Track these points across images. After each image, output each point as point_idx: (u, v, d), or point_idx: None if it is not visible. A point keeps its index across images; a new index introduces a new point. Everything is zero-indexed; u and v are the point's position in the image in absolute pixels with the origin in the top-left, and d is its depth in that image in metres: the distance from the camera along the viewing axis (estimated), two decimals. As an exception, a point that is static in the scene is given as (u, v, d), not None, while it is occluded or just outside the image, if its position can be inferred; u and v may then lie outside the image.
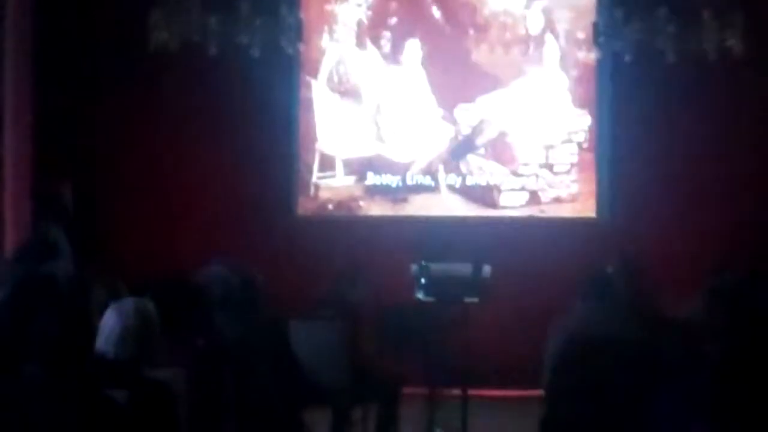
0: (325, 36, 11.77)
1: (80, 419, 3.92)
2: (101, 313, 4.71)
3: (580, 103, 11.55)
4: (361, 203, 11.73)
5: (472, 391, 7.80)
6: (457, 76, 11.63)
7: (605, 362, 5.41)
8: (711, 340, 4.67)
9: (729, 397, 4.13)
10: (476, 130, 11.46)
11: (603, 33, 9.84)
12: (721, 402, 4.13)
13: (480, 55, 11.64)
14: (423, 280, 7.59)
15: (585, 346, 5.65)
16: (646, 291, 6.87)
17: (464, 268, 7.53)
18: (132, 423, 4.08)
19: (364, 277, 8.43)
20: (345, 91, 11.77)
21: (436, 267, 7.59)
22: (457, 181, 11.61)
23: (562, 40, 11.60)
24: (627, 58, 9.81)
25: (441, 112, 11.63)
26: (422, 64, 11.71)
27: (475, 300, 7.63)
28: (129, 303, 4.70)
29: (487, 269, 7.53)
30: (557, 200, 11.55)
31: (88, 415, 3.94)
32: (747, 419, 4.08)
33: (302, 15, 10.87)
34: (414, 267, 7.70)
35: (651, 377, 4.99)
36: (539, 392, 6.52)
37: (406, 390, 8.18)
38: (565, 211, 11.55)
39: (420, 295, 7.71)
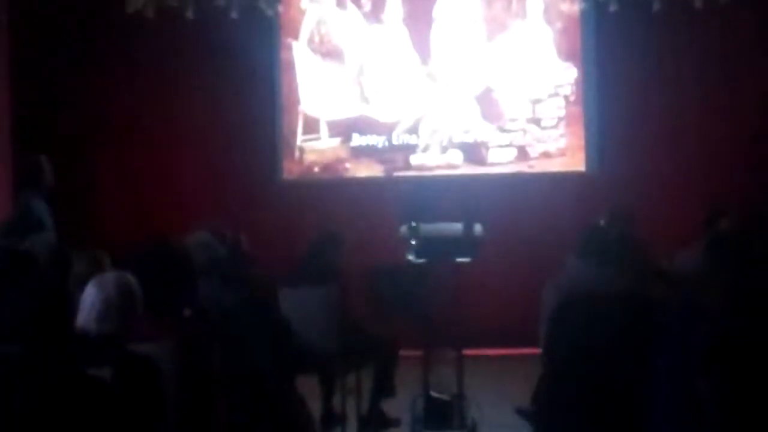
0: (305, -4, 11.61)
1: (63, 399, 3.78)
2: (83, 287, 4.56)
3: (566, 56, 11.42)
4: (348, 165, 11.61)
5: (467, 352, 7.67)
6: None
7: (602, 317, 5.33)
8: (711, 292, 4.54)
9: (732, 351, 4.02)
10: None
11: (588, -18, 9.70)
12: (724, 355, 4.01)
13: (462, 10, 11.49)
14: (413, 241, 7.43)
15: (581, 301, 5.56)
16: (639, 244, 6.74)
17: (455, 228, 7.37)
18: (117, 401, 3.94)
19: (343, 238, 8.30)
20: (326, 52, 11.62)
21: (426, 227, 7.43)
22: (443, 139, 11.46)
23: (545, -7, 11.45)
24: (612, 7, 9.67)
25: (425, 69, 11.48)
26: (404, 22, 11.54)
27: (467, 260, 7.48)
28: (110, 277, 4.55)
29: (478, 228, 7.37)
30: (546, 155, 11.43)
31: (71, 394, 3.80)
32: (750, 372, 3.97)
33: (281, -24, 10.75)
34: (403, 228, 7.55)
35: (649, 331, 4.90)
36: (535, 350, 6.43)
37: (402, 352, 8.10)
38: (554, 166, 11.44)
39: (411, 257, 7.56)
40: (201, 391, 4.86)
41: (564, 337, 5.50)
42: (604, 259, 6.11)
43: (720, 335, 3.94)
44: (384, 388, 8.09)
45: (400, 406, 8.01)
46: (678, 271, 6.56)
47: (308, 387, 7.41)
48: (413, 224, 7.49)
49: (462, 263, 7.65)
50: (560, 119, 11.40)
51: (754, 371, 3.88)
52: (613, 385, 5.17)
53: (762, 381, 3.92)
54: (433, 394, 7.63)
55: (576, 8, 11.07)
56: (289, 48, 11.59)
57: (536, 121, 11.41)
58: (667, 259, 7.18)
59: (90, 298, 4.43)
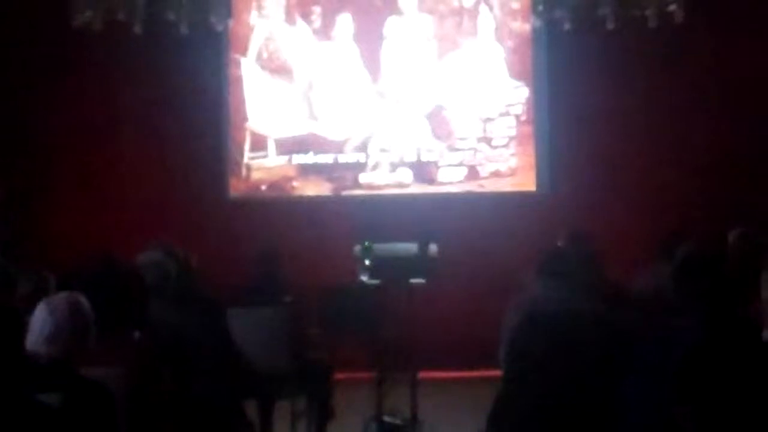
0: (254, 12, 11.50)
1: (10, 426, 3.60)
2: (31, 310, 4.38)
3: (517, 75, 11.36)
4: (295, 183, 11.46)
5: (421, 374, 7.56)
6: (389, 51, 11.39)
7: (564, 337, 5.22)
8: (680, 313, 4.44)
9: (708, 375, 3.90)
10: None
11: (542, 1, 9.63)
12: (699, 380, 3.89)
13: (413, 28, 11.40)
14: (366, 262, 7.31)
15: (542, 321, 5.44)
16: (599, 265, 6.66)
17: (409, 248, 7.27)
18: (68, 427, 3.77)
19: (278, 254, 8.14)
20: (275, 68, 11.49)
21: (379, 247, 7.32)
22: (393, 158, 11.35)
23: (497, 11, 11.40)
24: (566, 26, 9.61)
25: (375, 87, 11.37)
26: (354, 39, 11.43)
27: (422, 280, 7.37)
28: (59, 298, 4.37)
29: (433, 248, 7.27)
30: (496, 174, 11.35)
31: (19, 422, 3.62)
32: (727, 396, 3.85)
33: (230, -9, 10.63)
34: (357, 248, 7.42)
35: (612, 352, 4.80)
36: (491, 372, 6.32)
37: (354, 375, 7.96)
38: (505, 186, 11.36)
39: (364, 277, 7.43)
40: (151, 414, 4.71)
41: (525, 357, 5.40)
42: (565, 279, 6.01)
43: (695, 359, 3.82)
44: (323, 412, 7.92)
45: (353, 431, 7.87)
46: (638, 293, 6.48)
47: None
48: (367, 244, 7.37)
49: (416, 284, 7.55)
50: (511, 138, 11.33)
51: (731, 395, 3.76)
52: (574, 406, 5.06)
53: (739, 405, 3.80)
54: (386, 418, 7.53)
55: (527, 27, 11.04)
56: (238, 64, 11.44)
57: (487, 140, 11.33)
58: (619, 278, 7.11)
59: (40, 320, 4.26)
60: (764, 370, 3.72)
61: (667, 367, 4.05)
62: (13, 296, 5.42)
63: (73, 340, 4.26)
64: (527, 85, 11.33)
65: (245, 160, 11.45)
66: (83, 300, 4.38)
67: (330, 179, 11.44)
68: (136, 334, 5.10)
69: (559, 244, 7.30)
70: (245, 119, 11.44)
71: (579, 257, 6.17)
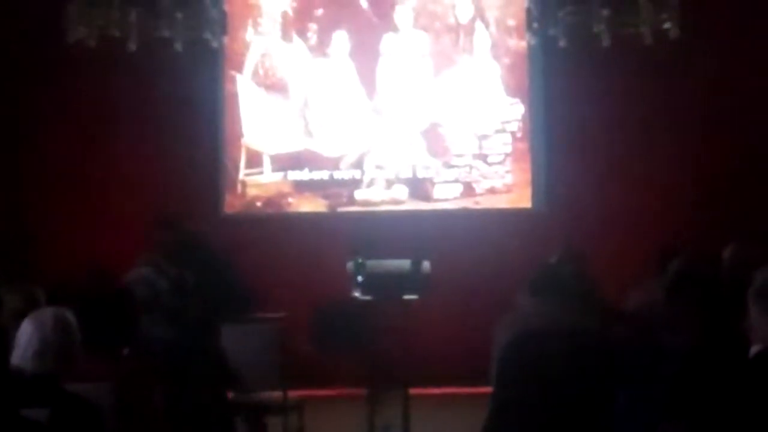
0: (250, 29, 11.51)
1: (-4, 442, 3.59)
2: (17, 324, 4.36)
3: (513, 92, 11.36)
4: (291, 200, 11.45)
5: (413, 391, 7.53)
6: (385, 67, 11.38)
7: (555, 355, 5.20)
8: (672, 331, 4.43)
9: (698, 393, 3.89)
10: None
11: (537, 18, 9.61)
12: (689, 397, 3.88)
13: (409, 45, 11.41)
14: (360, 278, 7.30)
15: (533, 339, 5.43)
16: (592, 282, 6.64)
17: (402, 264, 7.26)
18: (53, 444, 3.75)
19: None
20: (271, 85, 11.49)
21: (373, 263, 7.31)
22: (389, 174, 11.35)
23: (493, 28, 11.42)
24: (561, 43, 9.58)
25: (370, 103, 11.37)
26: (350, 56, 11.43)
27: (415, 297, 7.36)
28: (47, 313, 4.37)
29: (426, 265, 7.26)
30: (492, 191, 11.34)
31: (4, 437, 3.61)
32: (717, 414, 3.84)
33: (226, 7, 10.57)
34: (350, 264, 7.41)
35: (603, 370, 4.78)
36: (483, 389, 6.29)
37: (346, 391, 7.95)
38: (500, 203, 11.35)
39: (357, 293, 7.42)
40: (140, 431, 4.69)
41: (515, 375, 5.38)
42: (557, 297, 5.99)
43: (686, 376, 3.81)
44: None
45: (345, 447, 7.86)
46: (632, 309, 6.45)
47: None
48: (360, 260, 7.37)
49: (409, 300, 7.53)
50: (507, 155, 11.33)
51: (722, 411, 3.75)
52: (566, 423, 5.05)
53: (729, 420, 3.79)
54: (379, 434, 7.50)
55: (523, 44, 11.03)
56: (233, 81, 11.44)
57: (482, 157, 11.32)
58: (616, 296, 7.09)
59: (26, 335, 4.24)
60: (753, 386, 3.72)
61: (658, 384, 4.04)
62: (1, 311, 5.40)
63: (60, 356, 4.25)
64: (523, 102, 11.33)
65: (240, 176, 11.44)
66: (70, 315, 4.37)
67: (325, 196, 11.43)
68: (126, 350, 5.08)
69: (552, 261, 7.28)
70: (241, 136, 11.44)
71: (571, 275, 6.15)
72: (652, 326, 5.13)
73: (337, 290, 8.52)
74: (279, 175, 11.43)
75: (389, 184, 11.38)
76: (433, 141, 11.37)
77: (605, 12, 9.10)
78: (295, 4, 11.53)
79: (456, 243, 10.77)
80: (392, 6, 11.48)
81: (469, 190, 11.34)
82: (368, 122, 11.41)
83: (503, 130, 11.33)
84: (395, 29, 11.45)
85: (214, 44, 10.08)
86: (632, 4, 9.13)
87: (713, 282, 4.49)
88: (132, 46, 9.47)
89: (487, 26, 11.41)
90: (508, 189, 11.34)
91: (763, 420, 3.59)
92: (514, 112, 11.32)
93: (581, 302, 5.84)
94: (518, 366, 5.36)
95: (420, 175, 11.37)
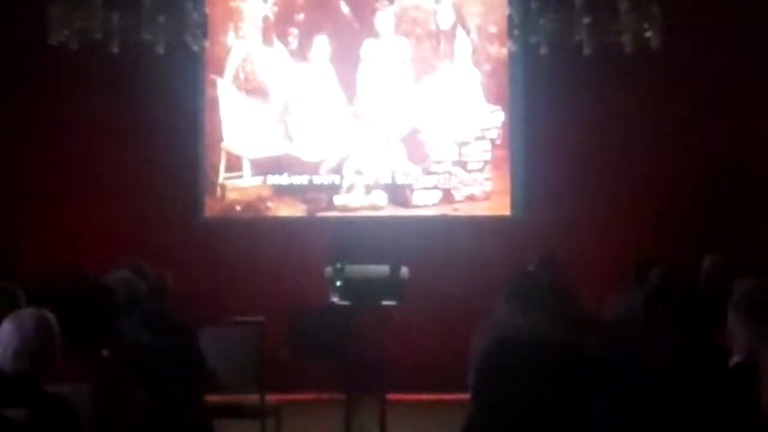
0: (231, 33, 11.49)
1: (-26, 442, 3.59)
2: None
3: (493, 99, 11.38)
4: (270, 204, 11.45)
5: (391, 396, 7.55)
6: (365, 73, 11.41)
7: (531, 363, 5.23)
8: (650, 341, 4.45)
9: (673, 402, 3.92)
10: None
11: (518, 26, 9.66)
12: (664, 406, 3.91)
13: (389, 51, 11.43)
14: (338, 283, 7.31)
15: (509, 346, 5.46)
16: (568, 290, 6.68)
17: (381, 270, 7.28)
18: (32, 443, 3.76)
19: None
20: (251, 89, 11.49)
21: (351, 269, 7.32)
22: (368, 180, 11.36)
23: (474, 35, 11.43)
24: (542, 51, 9.63)
25: (351, 109, 11.38)
26: (330, 61, 11.45)
27: (393, 302, 7.38)
28: (27, 314, 4.36)
29: (405, 271, 7.28)
30: (471, 198, 11.36)
31: (-17, 437, 3.61)
32: (691, 424, 3.87)
33: (207, 11, 10.70)
34: (328, 269, 7.43)
35: (578, 378, 4.80)
36: (461, 396, 6.32)
37: (324, 396, 7.97)
38: (480, 210, 11.36)
39: (335, 298, 7.43)
40: (118, 433, 4.70)
41: (492, 382, 5.41)
42: (534, 304, 6.03)
43: (662, 386, 3.83)
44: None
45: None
46: (608, 318, 6.49)
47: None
48: (338, 265, 7.38)
49: (387, 306, 7.55)
50: (486, 162, 11.35)
51: (697, 422, 3.78)
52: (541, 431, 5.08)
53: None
54: (355, 439, 7.50)
55: (504, 51, 11.06)
56: (214, 84, 11.43)
57: (462, 164, 11.34)
58: (593, 304, 7.12)
59: (6, 335, 4.24)
60: (730, 398, 3.74)
61: (635, 393, 4.06)
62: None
63: (40, 356, 4.24)
64: (503, 110, 11.35)
65: (220, 180, 11.43)
66: (50, 315, 4.37)
67: (305, 200, 11.43)
68: (105, 352, 5.09)
69: (530, 268, 7.32)
70: (221, 139, 11.42)
71: (548, 282, 6.20)
72: (629, 336, 5.17)
73: (316, 295, 8.53)
74: (259, 180, 11.43)
75: (368, 189, 11.39)
76: (413, 147, 11.38)
77: (586, 20, 9.16)
78: (276, 9, 11.53)
79: (435, 249, 10.77)
80: (373, 12, 11.50)
81: (448, 196, 11.36)
82: (348, 127, 11.42)
83: (483, 137, 11.36)
84: (376, 35, 11.47)
85: (195, 48, 10.12)
86: (614, 12, 9.19)
87: (691, 293, 4.51)
88: (114, 49, 9.50)
89: (468, 33, 11.43)
90: (487, 196, 11.37)
91: (740, 430, 3.62)
92: (494, 119, 11.35)
93: (558, 310, 5.88)
94: (495, 374, 5.39)
95: (399, 181, 11.38)
